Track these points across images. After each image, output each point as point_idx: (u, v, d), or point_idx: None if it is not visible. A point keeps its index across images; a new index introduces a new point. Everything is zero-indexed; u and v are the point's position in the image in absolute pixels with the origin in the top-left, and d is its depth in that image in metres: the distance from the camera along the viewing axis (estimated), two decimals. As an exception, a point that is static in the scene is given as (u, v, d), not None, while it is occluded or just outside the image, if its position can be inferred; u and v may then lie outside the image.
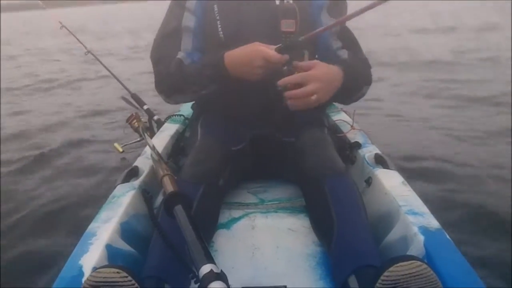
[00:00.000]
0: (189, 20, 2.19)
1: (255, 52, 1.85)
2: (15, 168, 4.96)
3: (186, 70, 2.07)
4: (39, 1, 4.91)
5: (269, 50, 1.83)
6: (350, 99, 2.26)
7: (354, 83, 2.11)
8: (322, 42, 2.22)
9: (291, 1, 2.14)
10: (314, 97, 1.80)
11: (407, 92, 7.51)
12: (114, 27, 29.69)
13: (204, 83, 2.06)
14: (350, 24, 2.27)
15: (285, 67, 1.89)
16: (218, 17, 2.14)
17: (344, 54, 2.20)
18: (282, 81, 1.83)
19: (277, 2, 2.16)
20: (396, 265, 1.33)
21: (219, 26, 2.13)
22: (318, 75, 1.83)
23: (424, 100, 6.89)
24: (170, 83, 2.17)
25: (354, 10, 1.57)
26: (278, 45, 1.85)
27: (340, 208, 1.73)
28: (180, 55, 2.13)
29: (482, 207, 3.43)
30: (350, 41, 2.24)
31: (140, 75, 9.65)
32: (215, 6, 2.16)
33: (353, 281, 1.53)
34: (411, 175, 3.25)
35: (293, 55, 1.91)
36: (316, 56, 2.25)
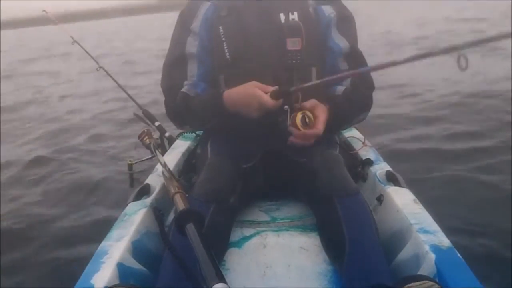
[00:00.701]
0: (192, 46, 2.21)
1: (252, 96, 1.90)
2: (18, 183, 4.99)
3: (191, 104, 2.12)
4: (48, 15, 4.91)
5: (265, 96, 1.88)
6: (336, 129, 2.41)
7: (340, 121, 2.25)
8: (330, 62, 2.23)
9: (296, 19, 2.15)
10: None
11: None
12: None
13: (206, 118, 2.13)
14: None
15: (286, 107, 1.96)
16: (224, 39, 2.15)
17: (344, 83, 2.23)
18: (292, 141, 1.99)
19: (282, 21, 2.17)
20: (408, 285, 1.33)
21: (225, 47, 2.14)
22: (320, 132, 1.96)
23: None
24: (177, 116, 2.25)
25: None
26: (274, 89, 1.89)
27: (352, 228, 1.73)
28: (185, 87, 2.17)
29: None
30: (356, 63, 2.23)
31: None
32: (221, 27, 2.17)
33: (365, 300, 1.52)
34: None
35: (300, 74, 1.96)
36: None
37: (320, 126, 1.95)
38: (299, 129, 1.94)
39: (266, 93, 1.88)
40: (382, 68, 1.61)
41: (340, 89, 2.20)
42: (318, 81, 1.93)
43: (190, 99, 2.12)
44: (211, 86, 2.19)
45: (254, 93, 1.89)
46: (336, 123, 2.15)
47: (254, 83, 1.93)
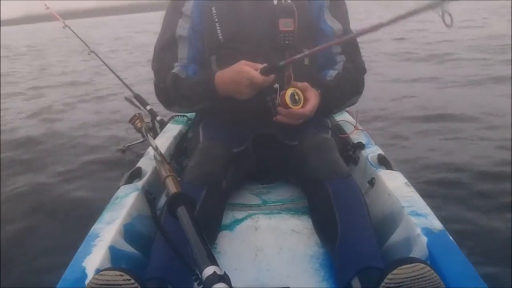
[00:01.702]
0: (183, 28, 2.20)
1: (241, 73, 1.89)
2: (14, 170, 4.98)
3: (181, 85, 2.11)
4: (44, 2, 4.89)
5: (254, 72, 1.87)
6: (328, 113, 2.41)
7: (332, 105, 2.26)
8: (322, 44, 2.22)
9: (289, 1, 2.15)
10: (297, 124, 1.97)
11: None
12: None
13: (196, 100, 2.12)
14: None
15: (276, 85, 1.94)
16: (216, 19, 2.14)
17: (336, 67, 2.24)
18: (278, 119, 1.97)
19: (275, 2, 2.16)
20: (399, 267, 1.33)
21: (218, 28, 2.14)
22: (307, 114, 1.96)
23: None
24: (167, 97, 2.22)
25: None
26: (263, 66, 1.89)
27: (343, 210, 1.73)
28: (176, 68, 2.15)
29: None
30: (349, 46, 2.26)
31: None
32: (213, 8, 2.16)
33: (356, 283, 1.53)
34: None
35: (292, 55, 1.94)
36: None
37: (308, 108, 1.95)
38: (288, 106, 1.93)
39: (255, 70, 1.88)
40: (369, 31, 1.60)
41: (332, 73, 2.20)
42: (307, 52, 1.93)
43: (180, 80, 2.11)
44: (203, 67, 2.18)
45: (243, 69, 1.89)
46: (328, 106, 2.16)
47: (243, 62, 1.92)
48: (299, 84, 1.98)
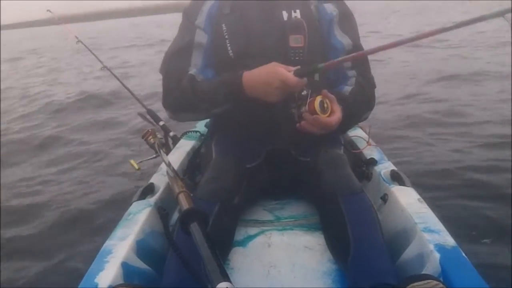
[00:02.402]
0: (202, 37, 2.19)
1: (274, 74, 1.84)
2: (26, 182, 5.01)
3: (199, 86, 2.07)
4: (53, 15, 4.92)
5: (288, 73, 1.82)
6: (345, 130, 2.43)
7: (349, 122, 2.20)
8: (334, 59, 2.23)
9: (298, 16, 2.16)
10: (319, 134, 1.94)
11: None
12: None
13: (218, 101, 2.05)
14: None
15: (304, 92, 1.92)
16: (226, 36, 2.15)
17: (349, 83, 2.23)
18: (301, 126, 1.94)
19: (285, 18, 2.17)
20: (412, 284, 1.33)
21: (228, 44, 2.14)
22: (332, 125, 1.93)
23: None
24: (180, 99, 2.16)
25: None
26: (297, 67, 1.84)
27: (356, 227, 1.73)
28: (192, 70, 2.14)
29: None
30: (359, 60, 2.25)
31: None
32: (223, 25, 2.17)
33: (369, 299, 1.52)
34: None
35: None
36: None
37: (334, 119, 1.93)
38: (316, 113, 1.90)
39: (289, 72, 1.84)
40: (429, 35, 1.55)
41: (347, 89, 2.20)
42: (349, 56, 1.87)
43: (198, 82, 2.09)
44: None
45: (276, 71, 1.84)
46: (347, 122, 2.15)
47: (275, 63, 1.89)
48: (329, 94, 1.95)
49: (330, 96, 1.95)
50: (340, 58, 1.86)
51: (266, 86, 1.88)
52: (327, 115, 1.93)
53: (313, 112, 1.90)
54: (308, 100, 1.93)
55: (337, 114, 1.95)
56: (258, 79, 1.91)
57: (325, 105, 1.93)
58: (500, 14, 1.31)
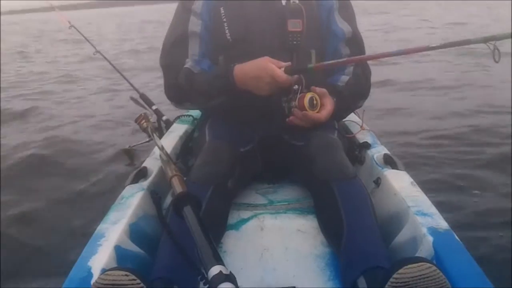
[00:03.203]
0: (195, 25, 2.20)
1: (264, 70, 1.88)
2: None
3: (195, 80, 2.09)
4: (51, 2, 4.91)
5: (278, 70, 1.87)
6: (340, 119, 2.44)
7: (340, 112, 2.23)
8: (331, 47, 2.24)
9: (297, 1, 2.15)
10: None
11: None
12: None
13: (213, 95, 2.09)
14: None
15: (295, 86, 1.97)
16: (225, 19, 2.15)
17: (347, 72, 2.25)
18: (291, 120, 2.01)
19: (283, 3, 2.17)
20: (405, 267, 1.33)
21: (226, 28, 2.14)
22: (322, 120, 1.99)
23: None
24: (180, 93, 2.21)
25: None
26: (287, 64, 1.90)
27: (349, 210, 1.73)
28: (189, 63, 2.14)
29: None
30: (357, 49, 2.26)
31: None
32: (222, 8, 2.17)
33: (362, 283, 1.53)
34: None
35: (300, 55, 1.96)
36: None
37: (324, 113, 1.98)
38: (305, 109, 1.96)
39: (279, 68, 1.88)
40: (416, 51, 1.64)
41: (343, 79, 2.21)
42: (340, 60, 1.96)
43: (195, 75, 2.10)
44: (215, 64, 2.18)
45: (267, 66, 1.88)
46: (340, 112, 2.18)
47: (267, 58, 1.93)
48: (318, 89, 1.99)
49: (321, 91, 2.00)
50: (330, 62, 1.97)
51: (256, 80, 1.92)
52: (316, 110, 1.99)
53: (302, 108, 1.97)
54: (298, 96, 1.98)
55: (327, 108, 2.01)
56: (249, 73, 1.94)
57: (315, 102, 1.98)
58: (484, 40, 1.40)
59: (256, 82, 1.93)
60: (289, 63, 1.91)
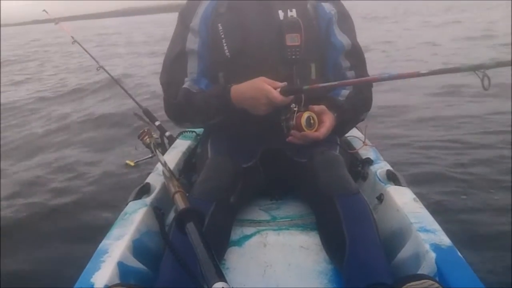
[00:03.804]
0: (193, 43, 2.22)
1: (260, 91, 1.90)
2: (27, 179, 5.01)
3: (194, 100, 2.12)
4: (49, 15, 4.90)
5: (273, 91, 1.88)
6: (342, 133, 2.45)
7: (342, 127, 2.27)
8: (331, 59, 2.25)
9: (294, 15, 2.17)
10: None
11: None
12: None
13: (211, 114, 2.12)
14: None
15: (293, 105, 1.98)
16: (223, 36, 2.16)
17: (347, 87, 2.26)
18: (290, 140, 2.04)
19: (281, 16, 2.18)
20: (408, 284, 1.33)
21: (225, 44, 2.15)
22: (320, 138, 2.01)
23: None
24: (179, 112, 2.24)
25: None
26: (283, 84, 1.91)
27: (352, 227, 1.73)
28: (187, 83, 2.17)
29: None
30: (358, 61, 2.28)
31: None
32: (220, 24, 2.18)
33: (365, 299, 1.52)
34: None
35: (300, 68, 1.98)
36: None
37: (322, 131, 2.00)
38: (302, 129, 1.97)
39: (275, 89, 1.89)
40: (406, 77, 1.65)
41: (344, 93, 2.22)
42: (335, 83, 1.98)
43: (193, 95, 2.12)
44: (213, 82, 2.19)
45: (263, 87, 1.89)
46: (342, 128, 2.19)
47: (262, 78, 1.94)
48: (316, 108, 2.00)
49: (319, 109, 2.01)
50: (324, 84, 2.00)
51: (253, 101, 1.94)
52: (314, 129, 2.02)
53: (299, 127, 1.99)
54: (295, 115, 1.99)
55: (326, 125, 2.03)
56: (245, 94, 1.97)
57: (312, 121, 2.00)
58: (473, 68, 1.42)
59: (252, 103, 1.95)
60: (285, 83, 1.92)
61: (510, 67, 1.42)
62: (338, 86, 2.06)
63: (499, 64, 1.40)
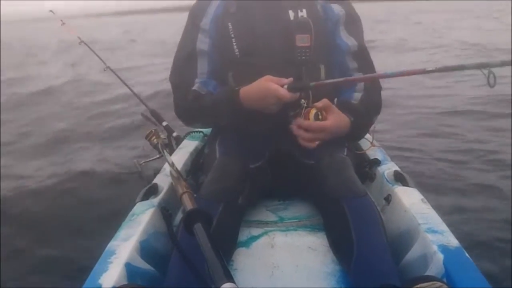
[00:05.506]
0: (203, 43, 2.22)
1: (268, 91, 1.88)
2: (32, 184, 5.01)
3: (203, 102, 2.11)
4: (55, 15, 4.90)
5: (280, 89, 1.86)
6: (358, 138, 2.41)
7: (359, 131, 2.23)
8: (339, 61, 2.23)
9: (305, 16, 2.16)
10: (316, 143, 1.93)
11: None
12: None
13: (221, 116, 2.12)
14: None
15: (302, 100, 1.95)
16: (233, 35, 2.16)
17: (358, 88, 2.23)
18: (296, 131, 1.96)
19: (291, 16, 2.17)
20: (416, 285, 1.32)
21: (234, 43, 2.15)
22: (329, 129, 1.94)
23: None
24: (188, 113, 2.25)
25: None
26: (289, 80, 1.90)
27: (359, 229, 1.73)
28: (196, 85, 2.16)
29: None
30: (365, 62, 2.27)
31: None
32: (230, 24, 2.18)
33: (373, 301, 1.52)
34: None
35: (309, 70, 1.97)
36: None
37: (328, 123, 1.94)
38: None
39: (282, 86, 1.88)
40: (412, 74, 1.64)
41: (356, 96, 2.20)
42: (341, 79, 1.98)
43: (202, 97, 2.12)
44: (221, 83, 2.19)
45: (270, 87, 1.88)
46: (359, 132, 2.20)
47: (268, 77, 1.92)
48: (320, 104, 1.96)
49: (324, 104, 1.96)
50: (331, 80, 1.95)
51: (262, 101, 1.92)
52: None
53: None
54: (304, 112, 1.97)
55: (334, 116, 1.98)
56: (254, 96, 1.95)
57: (320, 117, 1.95)
58: (479, 66, 1.43)
59: (262, 103, 1.93)
60: (291, 79, 1.91)
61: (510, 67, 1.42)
62: (344, 82, 2.04)
63: (504, 63, 1.40)
